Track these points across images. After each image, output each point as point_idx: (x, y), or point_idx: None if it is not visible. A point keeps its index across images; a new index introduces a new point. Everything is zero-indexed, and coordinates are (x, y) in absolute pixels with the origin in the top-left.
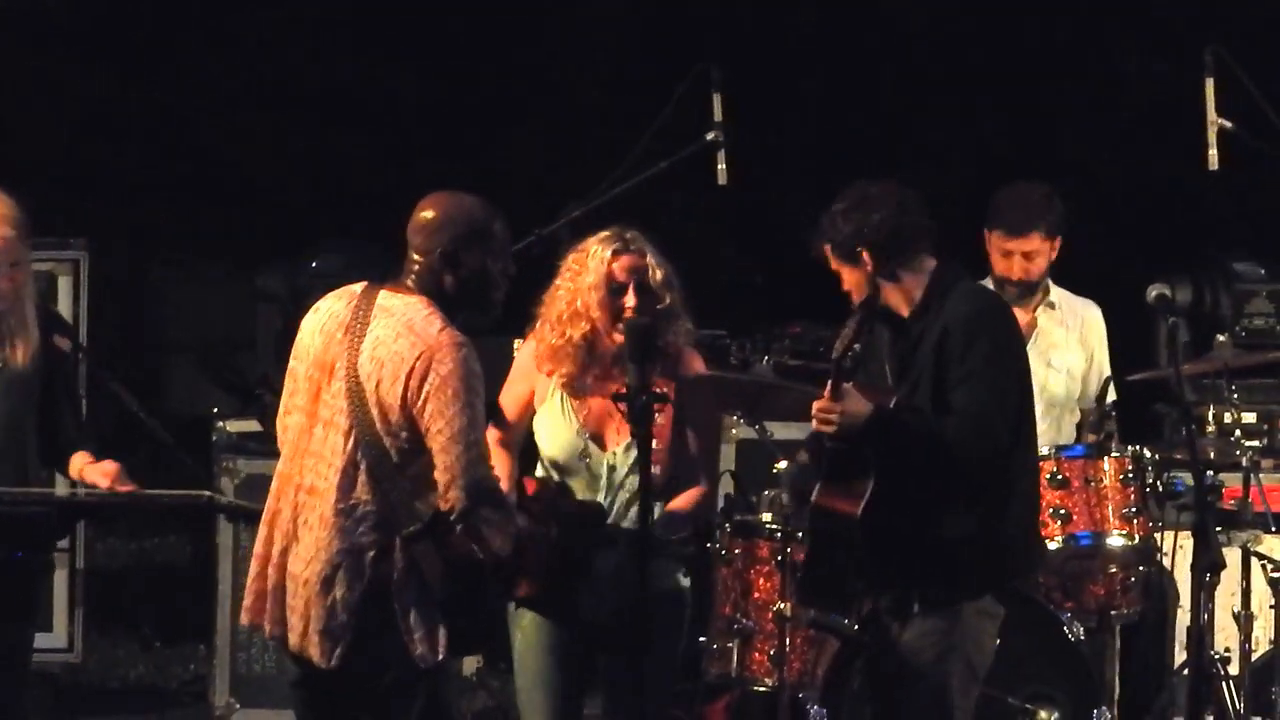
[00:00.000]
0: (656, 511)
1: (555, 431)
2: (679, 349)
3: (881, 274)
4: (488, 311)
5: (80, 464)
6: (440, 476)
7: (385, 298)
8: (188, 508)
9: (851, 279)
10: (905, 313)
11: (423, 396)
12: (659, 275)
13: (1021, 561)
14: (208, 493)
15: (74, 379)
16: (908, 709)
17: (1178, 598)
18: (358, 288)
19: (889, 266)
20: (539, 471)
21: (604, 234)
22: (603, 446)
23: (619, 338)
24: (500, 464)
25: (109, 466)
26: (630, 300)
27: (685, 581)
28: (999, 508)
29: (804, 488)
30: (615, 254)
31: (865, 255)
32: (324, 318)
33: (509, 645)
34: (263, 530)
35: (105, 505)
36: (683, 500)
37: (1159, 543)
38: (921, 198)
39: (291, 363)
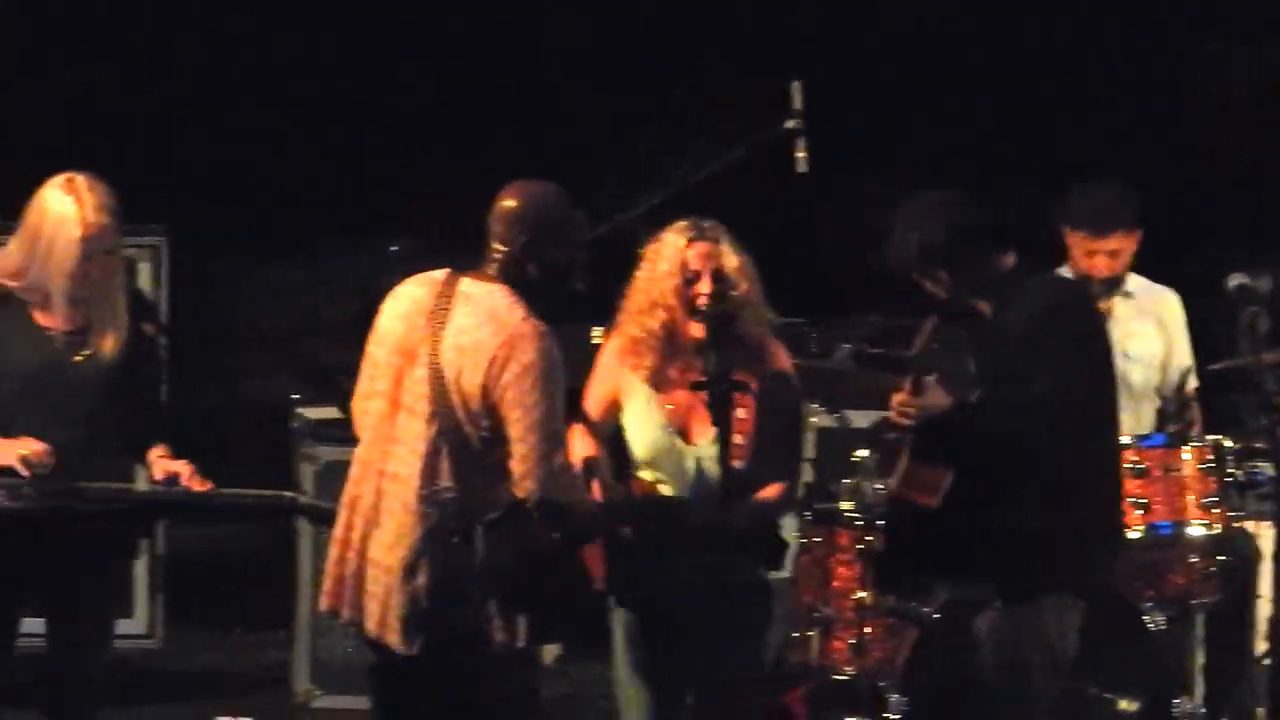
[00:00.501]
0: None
1: (641, 427)
2: (760, 340)
3: (963, 290)
4: (568, 299)
5: (153, 458)
6: (516, 465)
7: (467, 285)
8: (268, 509)
9: (930, 293)
10: (988, 310)
11: (503, 385)
12: (734, 262)
13: (1100, 554)
14: (289, 494)
15: (157, 367)
16: (989, 701)
17: (1256, 586)
18: (440, 274)
19: (968, 282)
20: (627, 465)
21: (680, 224)
22: (688, 440)
23: (696, 328)
24: (587, 455)
25: (180, 466)
26: (704, 288)
27: (769, 574)
28: (1078, 499)
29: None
30: (690, 242)
31: (943, 275)
32: (405, 303)
33: (589, 633)
34: (343, 515)
35: (187, 505)
36: (763, 494)
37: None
38: (972, 199)
39: (371, 347)
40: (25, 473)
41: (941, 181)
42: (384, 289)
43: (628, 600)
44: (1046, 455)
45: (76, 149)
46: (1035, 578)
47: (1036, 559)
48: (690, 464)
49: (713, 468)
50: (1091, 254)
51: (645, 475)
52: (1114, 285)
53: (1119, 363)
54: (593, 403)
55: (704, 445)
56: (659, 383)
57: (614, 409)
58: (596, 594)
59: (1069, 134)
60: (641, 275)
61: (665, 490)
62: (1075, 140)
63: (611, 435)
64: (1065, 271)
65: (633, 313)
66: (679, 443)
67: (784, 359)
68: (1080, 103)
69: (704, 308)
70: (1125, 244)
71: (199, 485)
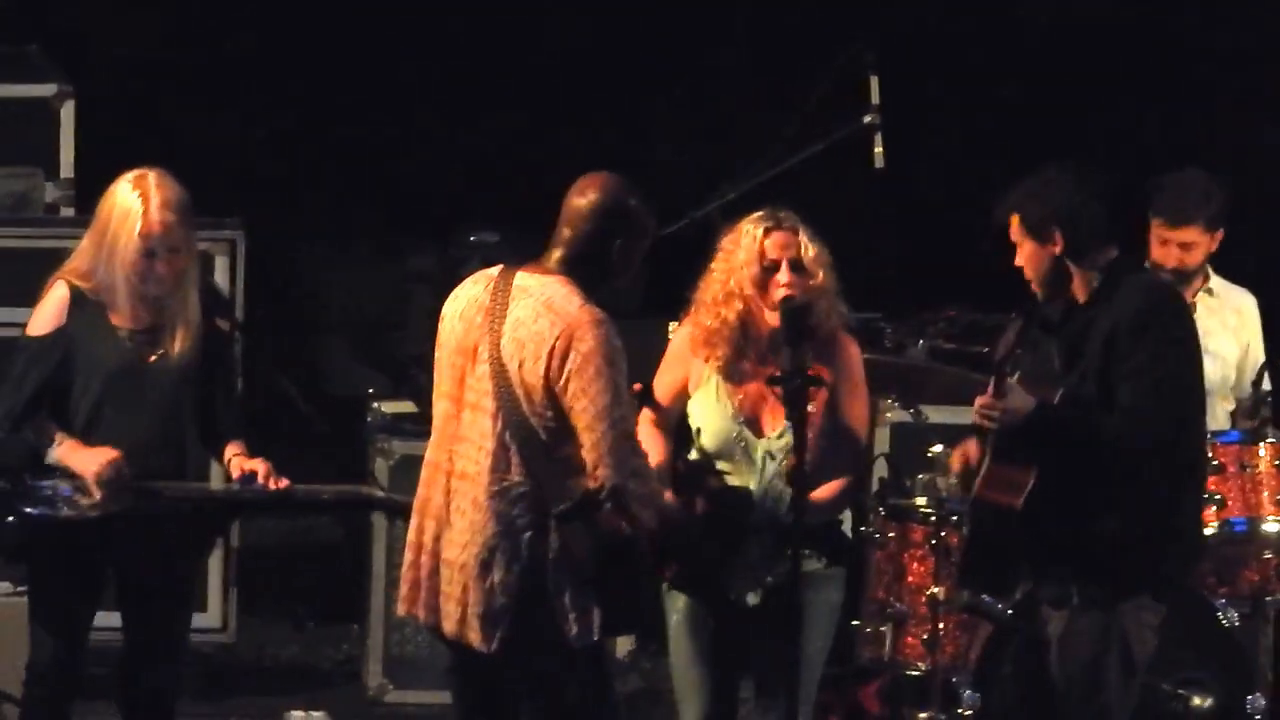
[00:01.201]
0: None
1: (710, 417)
2: (834, 332)
3: (1069, 256)
4: (628, 293)
5: (230, 455)
6: (587, 455)
7: (523, 278)
8: (345, 504)
9: (1032, 255)
10: (1081, 299)
11: (565, 375)
12: (812, 253)
13: (1183, 561)
14: (365, 489)
15: (233, 363)
16: (1063, 700)
17: None
18: (494, 271)
19: (1077, 250)
20: (692, 454)
21: (757, 214)
22: (758, 432)
23: (773, 318)
24: (653, 445)
25: (257, 464)
26: (784, 277)
27: (833, 568)
28: (1162, 506)
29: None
30: (767, 231)
31: (1058, 234)
32: (463, 304)
33: (662, 627)
34: (415, 519)
35: (263, 503)
36: (826, 490)
37: None
38: (1109, 185)
39: (436, 352)
40: (96, 494)
41: (1107, 167)
42: (460, 282)
43: (687, 585)
44: (1127, 460)
45: (153, 141)
46: (1116, 581)
47: (1118, 562)
48: (759, 456)
49: (782, 460)
50: (1165, 243)
51: (707, 460)
52: (1182, 280)
53: None
54: (661, 389)
55: (774, 438)
56: (731, 374)
57: (682, 397)
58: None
59: (1230, 121)
60: (718, 265)
61: (730, 479)
62: (1235, 127)
63: (678, 424)
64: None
65: (708, 303)
66: (749, 434)
67: (855, 353)
68: (1240, 92)
69: (783, 298)
70: (1200, 239)
71: (275, 483)
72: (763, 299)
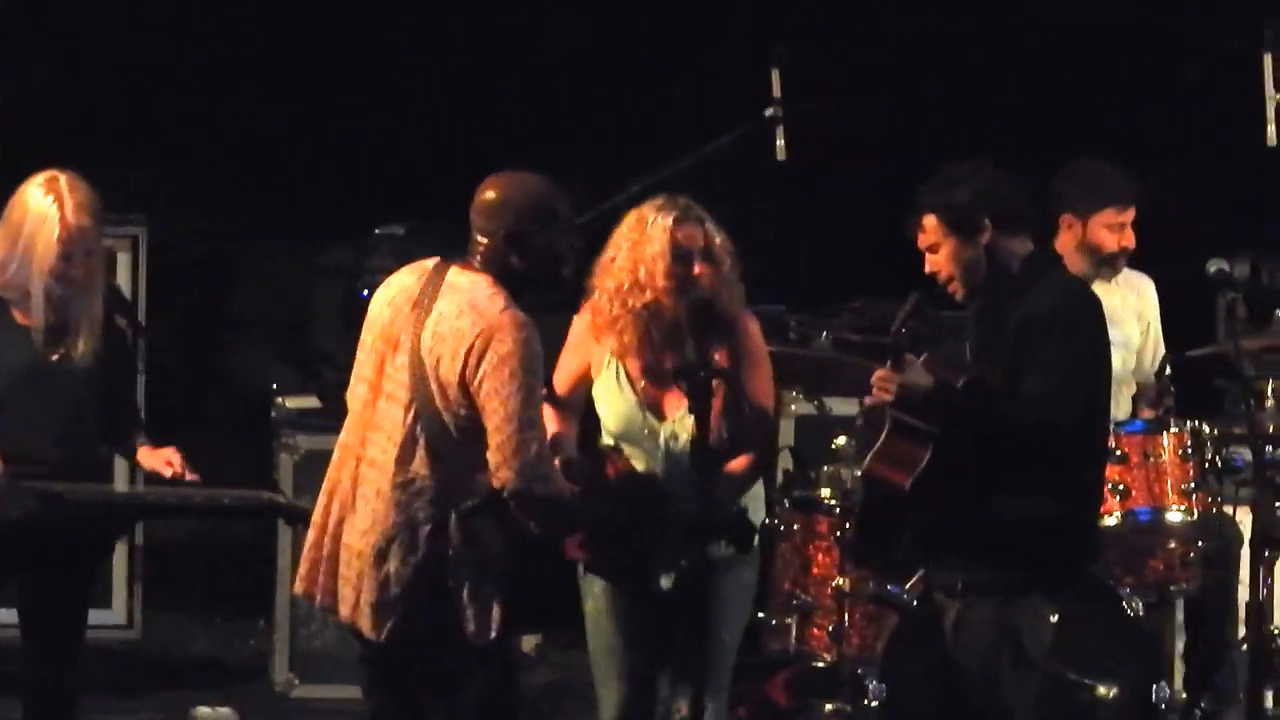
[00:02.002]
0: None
1: (613, 403)
2: (735, 315)
3: (995, 245)
4: (556, 289)
5: (138, 449)
6: (492, 456)
7: (454, 275)
8: (246, 510)
9: (956, 253)
10: (1000, 290)
11: (480, 375)
12: (718, 240)
13: (1075, 561)
14: (268, 494)
15: (133, 360)
16: (961, 690)
17: (1238, 571)
18: (430, 263)
19: (1005, 238)
20: (601, 440)
21: (657, 202)
22: (661, 417)
23: (682, 308)
24: (560, 435)
25: (170, 455)
26: (700, 268)
27: (744, 549)
28: (1056, 504)
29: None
30: (678, 222)
31: (986, 221)
32: (394, 291)
33: (570, 620)
34: (322, 500)
35: (165, 508)
36: (733, 465)
37: (1219, 518)
38: (1004, 170)
39: (362, 334)
40: None
41: (926, 171)
42: (367, 277)
43: (603, 570)
44: (1026, 452)
45: (55, 138)
46: (1006, 577)
47: (1008, 557)
48: (663, 440)
49: (685, 444)
50: (1121, 227)
51: (608, 442)
52: (1124, 259)
53: None
54: (561, 377)
55: (677, 420)
56: (634, 361)
57: (584, 383)
58: (572, 570)
59: (1126, 109)
60: (623, 254)
61: (637, 465)
62: (1133, 115)
63: (583, 409)
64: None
65: (611, 291)
66: (651, 419)
67: (755, 330)
68: (1137, 77)
69: (697, 289)
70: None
71: (190, 474)
72: (675, 288)
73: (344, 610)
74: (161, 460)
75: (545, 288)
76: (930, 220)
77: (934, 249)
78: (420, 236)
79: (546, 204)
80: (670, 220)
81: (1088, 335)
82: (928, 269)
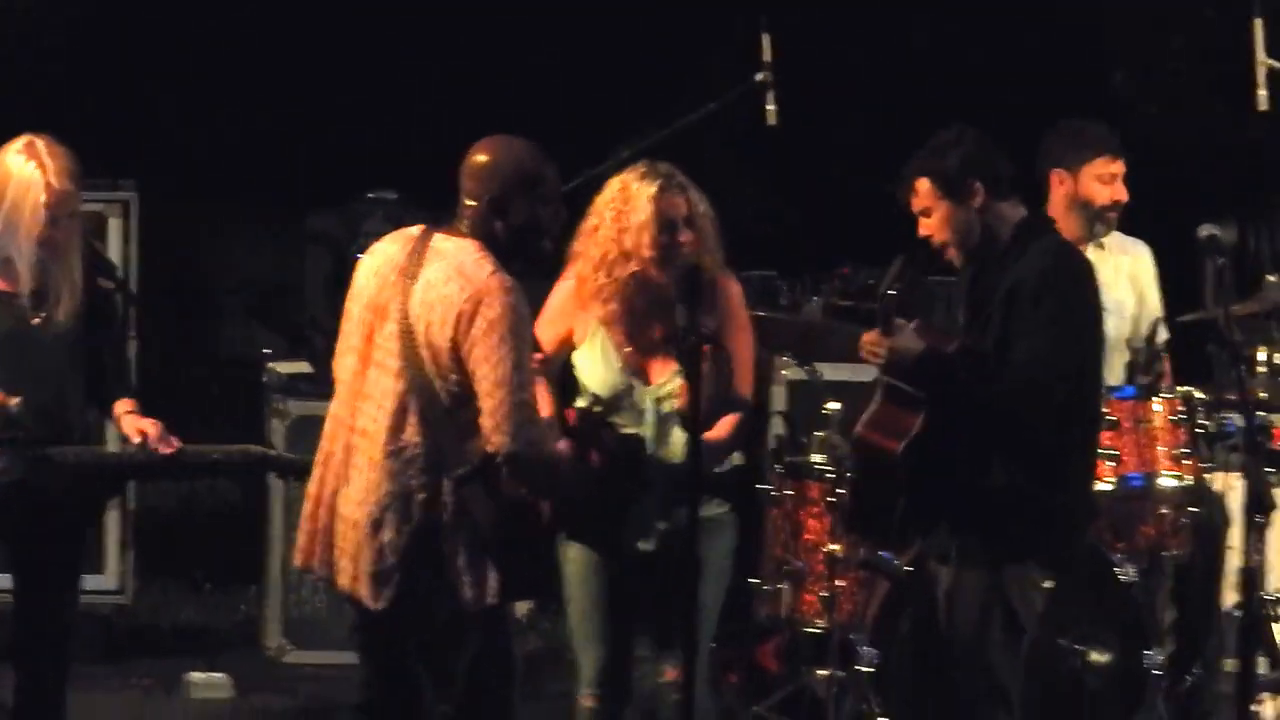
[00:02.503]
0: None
1: (597, 371)
2: (715, 278)
3: (988, 207)
4: (539, 257)
5: (120, 413)
6: (485, 420)
7: (439, 241)
8: (238, 465)
9: (949, 216)
10: (992, 255)
11: (470, 340)
12: (701, 208)
13: (1068, 531)
14: (257, 448)
15: (118, 322)
16: (951, 656)
17: (1227, 537)
18: (414, 230)
19: (995, 202)
20: (580, 402)
21: (639, 170)
22: (646, 381)
23: (666, 275)
24: (539, 399)
25: (148, 425)
26: (685, 236)
27: (726, 511)
28: (1048, 473)
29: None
30: (661, 191)
31: (978, 185)
32: (379, 260)
33: (559, 586)
34: (316, 471)
35: (155, 464)
36: (719, 429)
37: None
38: (990, 137)
39: (347, 304)
40: None
41: (917, 136)
42: (361, 241)
43: (582, 534)
44: (1016, 418)
45: (46, 102)
46: (997, 545)
47: (1000, 525)
48: (647, 404)
49: (672, 408)
50: (1113, 178)
51: (580, 402)
52: (1118, 212)
53: None
54: (544, 340)
55: (660, 384)
56: (619, 329)
57: (564, 350)
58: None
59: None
60: (607, 224)
61: (620, 427)
62: (1123, 80)
63: (560, 375)
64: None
65: (597, 259)
66: (638, 385)
67: (737, 291)
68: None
69: (683, 257)
70: None
71: (166, 446)
72: (660, 257)
73: (342, 580)
74: (134, 429)
75: (528, 256)
76: (923, 184)
77: (926, 213)
78: (413, 201)
79: (533, 172)
80: (654, 189)
81: (1077, 300)
82: (921, 232)
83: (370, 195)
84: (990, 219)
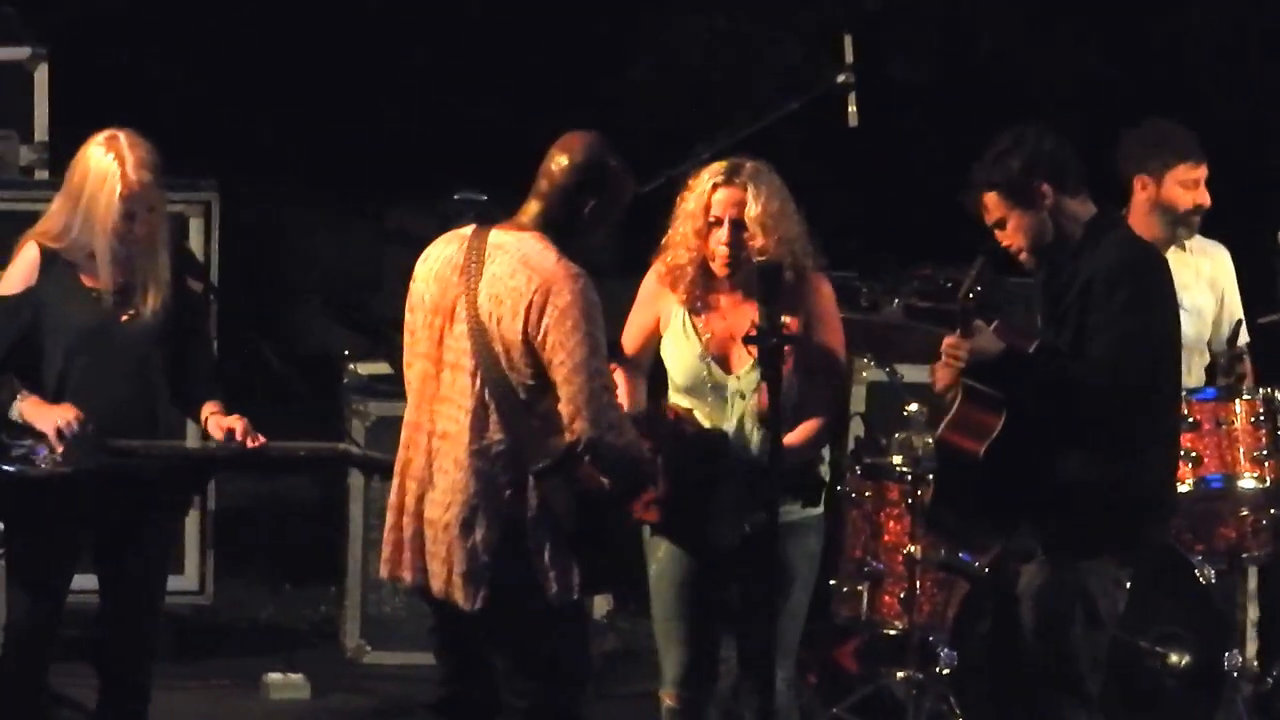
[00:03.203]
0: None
1: (680, 354)
2: (803, 276)
3: (1059, 207)
4: (599, 251)
5: (206, 414)
6: (564, 408)
7: (497, 235)
8: (322, 461)
9: (1021, 224)
10: (1064, 253)
11: (543, 329)
12: (755, 212)
13: (1149, 522)
14: (342, 445)
15: (206, 323)
16: (1031, 656)
17: None
18: (467, 230)
19: (1066, 199)
20: (669, 397)
21: (717, 165)
22: (727, 369)
23: (718, 269)
24: (627, 392)
25: (234, 422)
26: (722, 237)
27: (811, 512)
28: (1130, 463)
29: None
30: (715, 186)
31: (1045, 187)
32: (436, 264)
33: (639, 586)
34: (396, 480)
35: (239, 459)
36: (801, 431)
37: None
38: (1060, 132)
39: (407, 314)
40: (58, 446)
41: (1065, 120)
42: None
43: (667, 532)
44: (1099, 413)
45: (127, 103)
46: (1079, 538)
47: (1081, 518)
48: (730, 394)
49: (751, 401)
50: (1196, 184)
51: (681, 401)
52: (1200, 216)
53: None
54: (631, 333)
55: (743, 374)
56: (698, 309)
57: (654, 338)
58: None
59: (1194, 77)
60: (681, 208)
61: (701, 419)
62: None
63: (653, 368)
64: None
65: (675, 241)
66: (718, 371)
67: (828, 291)
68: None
69: (759, 261)
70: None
71: (253, 441)
72: (706, 248)
73: (435, 585)
74: (221, 428)
75: (588, 251)
76: (990, 197)
77: (1000, 224)
78: (501, 202)
79: (612, 169)
80: (710, 184)
81: (1154, 288)
82: (1002, 244)
83: (458, 196)
84: (1061, 218)
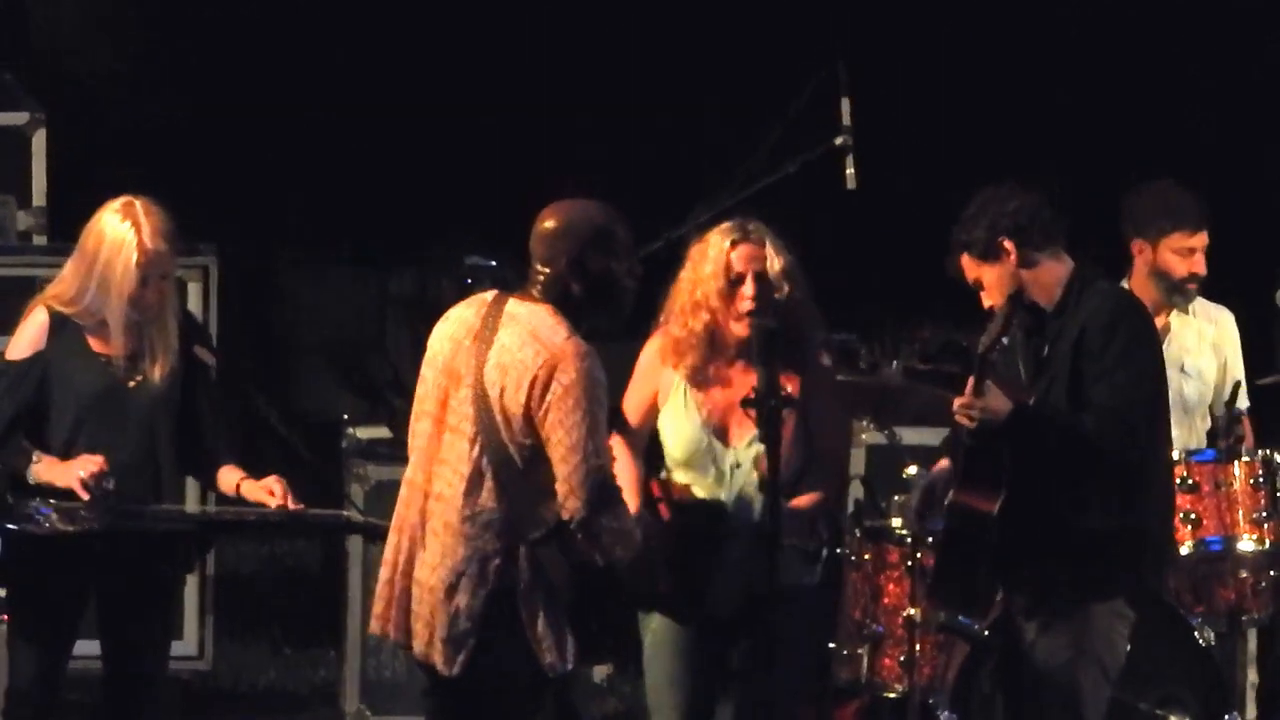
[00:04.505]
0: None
1: (679, 427)
2: (805, 343)
3: (1026, 263)
4: (618, 315)
5: (234, 479)
6: (559, 486)
7: (514, 305)
8: (324, 527)
9: (993, 282)
10: (1047, 308)
11: (545, 405)
12: (778, 266)
13: (1154, 562)
14: (345, 513)
15: (216, 389)
16: (1038, 712)
17: None
18: (488, 295)
19: (1033, 254)
20: (666, 469)
21: (725, 225)
22: (726, 442)
23: (739, 329)
24: (625, 466)
25: (274, 484)
26: (749, 290)
27: (812, 579)
28: (1134, 506)
29: (940, 493)
30: (734, 244)
31: (1008, 244)
32: (454, 325)
33: (638, 649)
34: (392, 537)
35: (242, 525)
36: (803, 501)
37: None
38: (1046, 194)
39: (423, 369)
40: (84, 495)
41: (1076, 179)
42: (438, 307)
43: (661, 605)
44: (1105, 459)
45: (128, 168)
46: (1089, 585)
47: (1094, 564)
48: (728, 466)
49: (750, 472)
50: (1191, 251)
51: (678, 478)
52: (1196, 284)
53: (1175, 377)
54: (631, 405)
55: (742, 448)
56: (699, 382)
57: (652, 412)
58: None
59: (1196, 134)
60: (685, 276)
61: (699, 492)
62: (1201, 142)
63: (649, 441)
64: (1124, 284)
65: (675, 313)
66: (717, 443)
67: (828, 361)
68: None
69: (755, 322)
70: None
71: (292, 503)
72: (728, 310)
73: (417, 646)
74: (263, 491)
75: (606, 315)
76: (965, 259)
77: (978, 284)
78: (513, 266)
79: (606, 231)
80: (728, 242)
81: (1144, 336)
82: (985, 303)
83: (470, 261)
84: (1036, 267)
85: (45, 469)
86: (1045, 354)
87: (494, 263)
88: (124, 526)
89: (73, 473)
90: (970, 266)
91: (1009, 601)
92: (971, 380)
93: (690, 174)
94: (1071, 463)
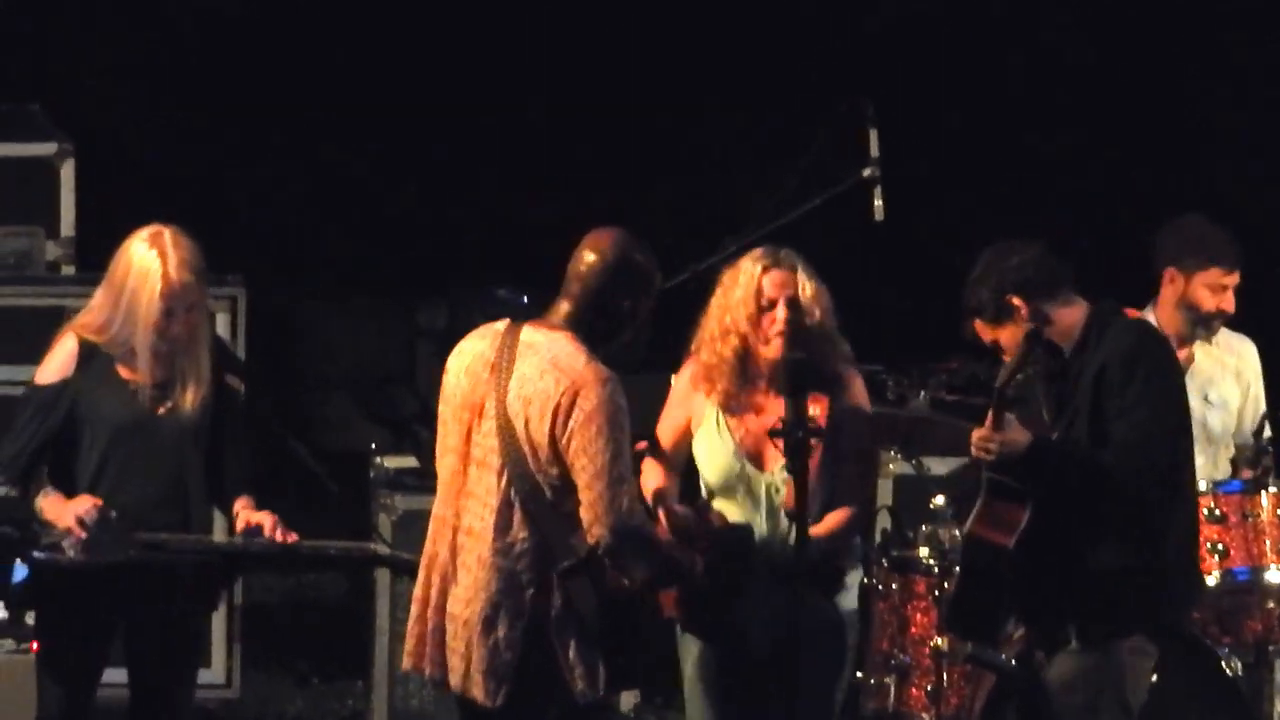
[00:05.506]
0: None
1: (713, 453)
2: (834, 369)
3: (1036, 316)
4: (629, 349)
5: (237, 509)
6: (584, 513)
7: (529, 334)
8: (351, 560)
9: (1010, 341)
10: (1066, 350)
11: (568, 432)
12: (809, 291)
13: (1177, 599)
14: (371, 545)
15: (241, 419)
16: None
17: None
18: (500, 325)
19: (1042, 306)
20: (701, 494)
21: (757, 251)
22: (761, 467)
23: (770, 352)
24: (662, 489)
25: (263, 517)
26: (780, 314)
27: (844, 608)
28: (1156, 542)
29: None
30: (765, 269)
31: (1016, 300)
32: (468, 359)
33: (668, 679)
34: (422, 574)
35: (270, 557)
36: (826, 525)
37: None
38: (1047, 244)
39: (440, 407)
40: (80, 534)
41: (1024, 229)
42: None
43: (698, 629)
44: (1125, 494)
45: (153, 198)
46: (1108, 621)
47: (1114, 601)
48: (762, 491)
49: (785, 497)
50: (1224, 289)
51: (713, 502)
52: (1222, 321)
53: (1199, 407)
54: (665, 431)
55: (777, 472)
56: (732, 408)
57: (686, 438)
58: (670, 628)
59: (1215, 173)
60: (716, 302)
61: (734, 518)
62: (1221, 178)
63: (685, 466)
64: (1149, 315)
65: (706, 340)
66: (751, 469)
67: (858, 389)
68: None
69: (784, 355)
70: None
71: (284, 537)
72: (758, 335)
73: (454, 680)
74: (250, 522)
75: (618, 347)
76: (978, 324)
77: (996, 345)
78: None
79: (637, 264)
80: (759, 268)
81: (1167, 372)
82: (1007, 360)
83: (501, 293)
84: (1052, 319)
85: (49, 506)
86: (1066, 393)
87: (525, 298)
88: (148, 558)
89: (70, 511)
90: (985, 330)
91: (1029, 633)
92: (990, 414)
93: (719, 206)
94: (1090, 498)
